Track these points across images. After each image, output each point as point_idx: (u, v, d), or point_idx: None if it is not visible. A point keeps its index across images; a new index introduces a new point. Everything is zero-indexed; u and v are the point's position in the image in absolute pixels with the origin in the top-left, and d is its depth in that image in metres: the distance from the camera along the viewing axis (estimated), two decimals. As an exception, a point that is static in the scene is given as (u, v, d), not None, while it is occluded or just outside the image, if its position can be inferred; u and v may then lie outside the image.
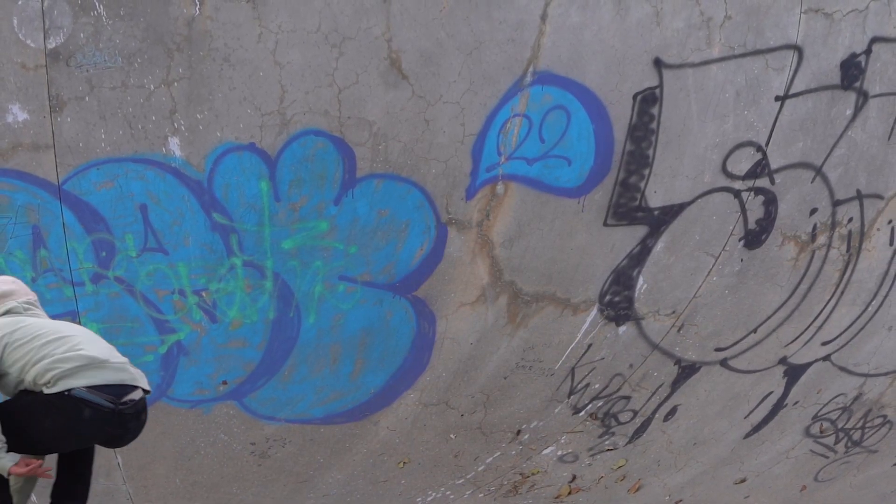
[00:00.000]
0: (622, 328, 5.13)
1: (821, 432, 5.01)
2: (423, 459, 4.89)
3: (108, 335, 4.73)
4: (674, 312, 5.08)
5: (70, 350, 3.69)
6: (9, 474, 3.66)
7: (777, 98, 4.88)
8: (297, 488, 4.72)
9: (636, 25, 4.82)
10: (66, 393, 3.59)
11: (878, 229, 5.06)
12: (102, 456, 4.61)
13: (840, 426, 5.03)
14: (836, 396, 5.03)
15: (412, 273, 5.13)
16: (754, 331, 5.09)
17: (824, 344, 5.08)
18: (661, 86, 4.88)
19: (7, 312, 3.93)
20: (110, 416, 3.63)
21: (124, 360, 3.86)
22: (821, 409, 5.01)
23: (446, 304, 5.15)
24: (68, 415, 3.63)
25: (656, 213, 5.01)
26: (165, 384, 4.83)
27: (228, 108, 4.70)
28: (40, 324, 3.85)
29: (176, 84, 4.61)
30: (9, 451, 3.64)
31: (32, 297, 4.14)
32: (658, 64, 4.86)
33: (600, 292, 5.10)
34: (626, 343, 5.11)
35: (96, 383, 3.61)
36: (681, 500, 4.64)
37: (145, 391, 3.81)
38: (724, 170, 4.97)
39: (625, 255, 5.06)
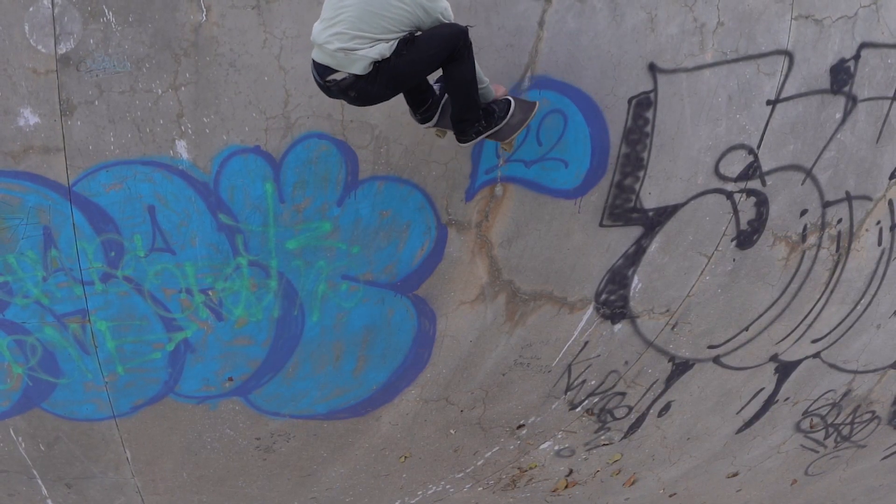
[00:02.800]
0: (617, 326, 5.17)
1: (811, 428, 5.07)
2: (424, 454, 4.96)
3: (116, 333, 4.82)
4: (668, 311, 5.13)
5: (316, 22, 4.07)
6: None
7: (768, 102, 4.90)
8: (301, 482, 4.80)
9: (631, 31, 4.87)
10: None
11: (867, 230, 5.10)
12: (112, 451, 4.70)
13: (830, 422, 5.07)
14: (825, 392, 5.08)
15: (413, 272, 5.18)
16: (746, 329, 5.12)
17: (814, 341, 5.12)
18: (655, 90, 4.90)
19: None
20: (324, 88, 4.13)
21: (341, 47, 3.94)
22: (811, 405, 5.07)
23: (446, 303, 5.21)
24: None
25: (651, 214, 5.05)
26: (173, 381, 4.89)
27: (234, 111, 4.76)
28: None
29: (183, 88, 4.66)
30: None
31: None
32: (652, 69, 4.88)
33: (596, 291, 5.14)
34: (621, 341, 5.16)
35: (314, 60, 4.07)
36: (675, 494, 4.71)
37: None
38: (716, 172, 5.00)
39: (620, 255, 5.10)
